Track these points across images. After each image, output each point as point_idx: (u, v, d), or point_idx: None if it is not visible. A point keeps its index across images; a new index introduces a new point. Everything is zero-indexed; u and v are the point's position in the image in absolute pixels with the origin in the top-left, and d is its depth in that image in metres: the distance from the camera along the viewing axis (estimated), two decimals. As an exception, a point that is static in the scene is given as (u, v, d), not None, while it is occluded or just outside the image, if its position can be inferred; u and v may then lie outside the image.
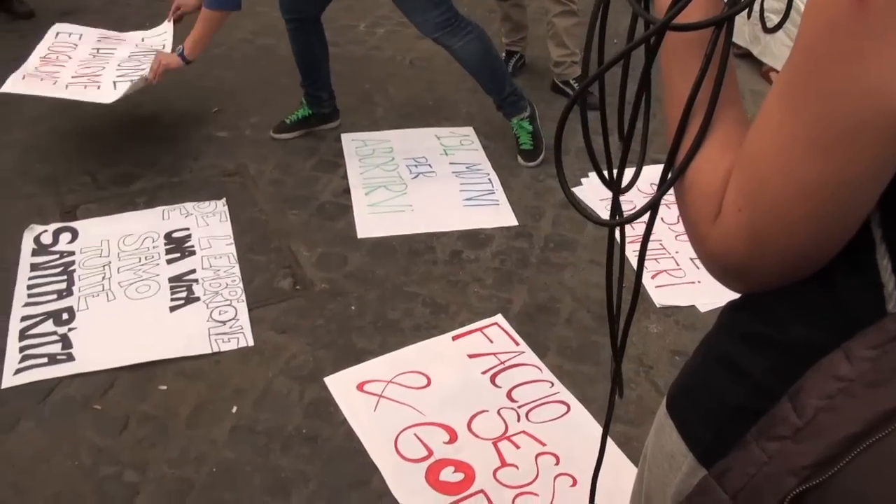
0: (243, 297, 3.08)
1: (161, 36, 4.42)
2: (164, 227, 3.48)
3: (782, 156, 0.73)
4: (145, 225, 3.49)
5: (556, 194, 3.73)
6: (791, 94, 0.72)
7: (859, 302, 0.78)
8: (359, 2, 6.06)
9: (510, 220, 3.62)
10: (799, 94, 0.71)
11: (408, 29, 5.52)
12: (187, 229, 3.45)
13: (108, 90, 3.73)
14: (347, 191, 3.77)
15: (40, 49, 4.09)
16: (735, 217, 0.78)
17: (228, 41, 5.34)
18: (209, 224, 3.49)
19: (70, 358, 2.82)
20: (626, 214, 0.98)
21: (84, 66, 3.94)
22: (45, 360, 2.82)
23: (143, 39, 4.42)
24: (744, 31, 4.97)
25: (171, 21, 4.07)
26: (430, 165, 3.99)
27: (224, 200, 3.65)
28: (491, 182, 3.88)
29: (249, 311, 3.03)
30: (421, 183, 3.84)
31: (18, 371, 2.77)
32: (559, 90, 4.72)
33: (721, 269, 0.83)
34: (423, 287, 3.20)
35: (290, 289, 3.18)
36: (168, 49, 4.23)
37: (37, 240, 3.40)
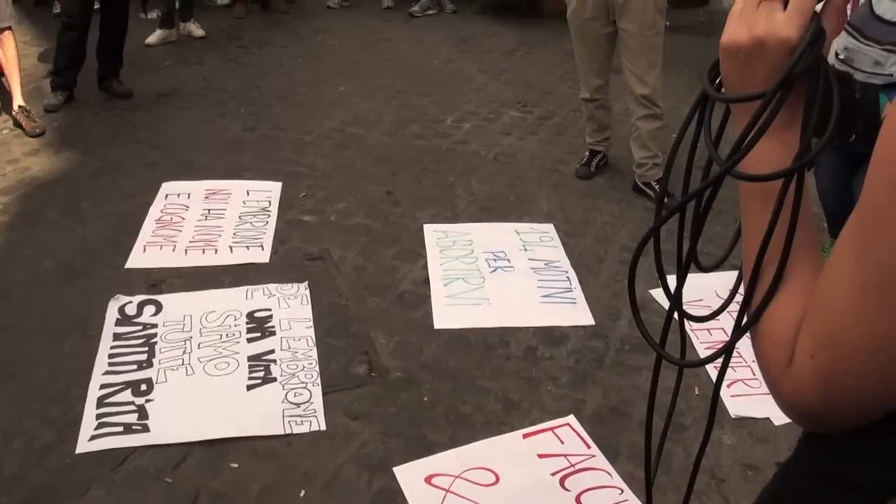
0: (319, 381, 3.11)
1: (266, 192, 4.62)
2: (246, 306, 3.55)
3: (853, 304, 0.74)
4: (229, 303, 3.57)
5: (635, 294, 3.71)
6: (858, 242, 0.74)
7: None
8: (447, 97, 6.23)
9: (587, 319, 3.61)
10: (865, 243, 0.73)
11: (493, 125, 5.68)
12: (269, 310, 3.52)
13: (225, 254, 3.99)
14: (427, 281, 3.81)
15: (153, 212, 4.37)
16: (808, 364, 0.79)
17: (319, 129, 5.52)
18: (290, 306, 3.55)
19: (145, 429, 2.87)
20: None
21: (200, 232, 4.18)
22: (120, 428, 2.87)
23: (248, 193, 4.61)
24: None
25: None
26: (508, 260, 4.02)
27: (306, 284, 3.72)
28: (569, 280, 3.88)
29: (324, 394, 3.05)
30: (499, 277, 3.87)
31: (94, 437, 2.83)
32: (640, 191, 4.74)
33: (795, 414, 0.84)
34: (497, 382, 3.20)
35: (366, 375, 3.21)
36: (274, 207, 4.44)
37: (121, 310, 3.50)
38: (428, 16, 8.52)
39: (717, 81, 0.94)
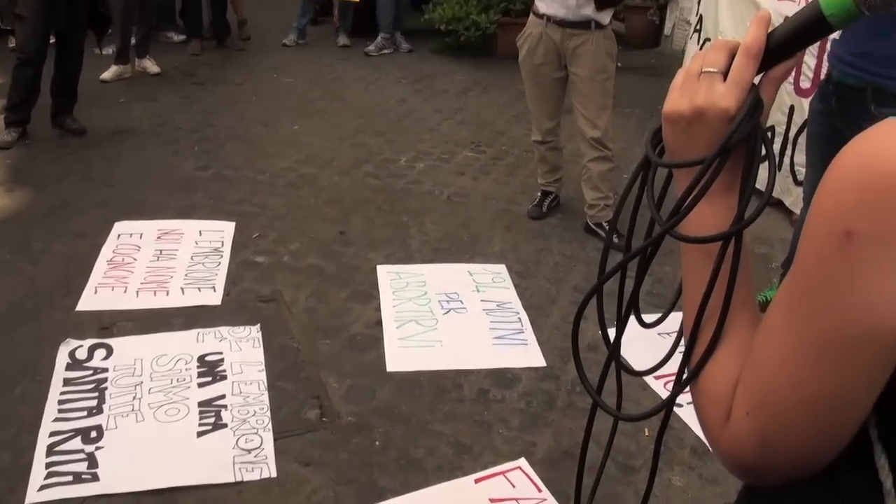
0: (270, 427, 3.11)
1: (219, 232, 4.62)
2: (198, 349, 3.54)
3: (785, 364, 0.79)
4: (180, 346, 3.56)
5: (586, 336, 3.73)
6: (791, 307, 0.79)
7: (861, 499, 0.82)
8: (401, 136, 6.28)
9: (538, 360, 3.64)
10: (798, 309, 0.77)
11: (446, 164, 5.73)
12: (220, 353, 3.52)
13: (176, 296, 3.96)
14: (379, 323, 3.83)
15: (105, 252, 4.35)
16: (744, 420, 0.83)
17: (273, 168, 5.53)
18: (242, 349, 3.55)
19: (95, 478, 2.84)
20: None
21: (152, 273, 4.16)
22: (70, 478, 2.84)
23: (200, 233, 4.60)
24: (776, 182, 5.09)
25: None
26: (461, 301, 4.05)
27: (258, 326, 3.72)
28: (521, 321, 3.93)
29: (275, 440, 3.05)
30: (452, 319, 3.90)
31: (43, 487, 2.79)
32: (592, 231, 4.81)
33: (733, 468, 0.88)
34: (449, 426, 3.21)
35: (317, 420, 3.21)
36: (226, 247, 4.43)
37: (72, 354, 3.47)
38: (383, 55, 8.57)
39: (659, 146, 0.98)
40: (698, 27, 6.50)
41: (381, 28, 8.65)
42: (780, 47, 0.92)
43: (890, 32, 3.02)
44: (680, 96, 0.92)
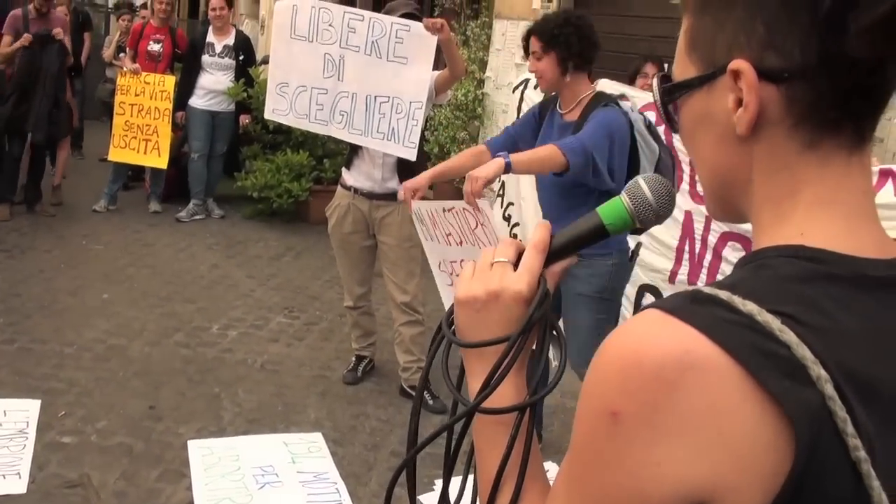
0: None
1: (24, 412, 4.43)
2: (-3, 546, 3.35)
3: None
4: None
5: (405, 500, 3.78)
6: (570, 480, 0.88)
7: None
8: (213, 303, 6.24)
9: (351, 532, 3.65)
10: (576, 482, 0.87)
11: (260, 331, 5.74)
12: (22, 551, 3.34)
13: None
14: (192, 503, 3.74)
15: None
16: None
17: (80, 340, 5.37)
18: (45, 545, 3.38)
19: None
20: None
21: None
22: None
23: (4, 413, 4.39)
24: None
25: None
26: (276, 475, 4.02)
27: (64, 517, 3.56)
28: (338, 492, 3.93)
29: None
30: (267, 494, 3.86)
31: None
32: (407, 394, 4.91)
33: None
34: None
35: None
36: (31, 428, 4.25)
37: None
38: (195, 221, 8.54)
39: (453, 327, 1.06)
40: (501, 192, 6.93)
41: (193, 194, 8.65)
42: (563, 248, 1.05)
43: None
44: (473, 283, 1.03)
